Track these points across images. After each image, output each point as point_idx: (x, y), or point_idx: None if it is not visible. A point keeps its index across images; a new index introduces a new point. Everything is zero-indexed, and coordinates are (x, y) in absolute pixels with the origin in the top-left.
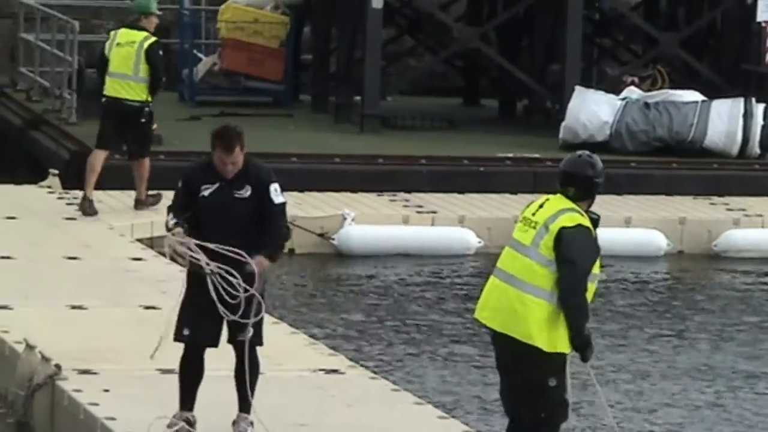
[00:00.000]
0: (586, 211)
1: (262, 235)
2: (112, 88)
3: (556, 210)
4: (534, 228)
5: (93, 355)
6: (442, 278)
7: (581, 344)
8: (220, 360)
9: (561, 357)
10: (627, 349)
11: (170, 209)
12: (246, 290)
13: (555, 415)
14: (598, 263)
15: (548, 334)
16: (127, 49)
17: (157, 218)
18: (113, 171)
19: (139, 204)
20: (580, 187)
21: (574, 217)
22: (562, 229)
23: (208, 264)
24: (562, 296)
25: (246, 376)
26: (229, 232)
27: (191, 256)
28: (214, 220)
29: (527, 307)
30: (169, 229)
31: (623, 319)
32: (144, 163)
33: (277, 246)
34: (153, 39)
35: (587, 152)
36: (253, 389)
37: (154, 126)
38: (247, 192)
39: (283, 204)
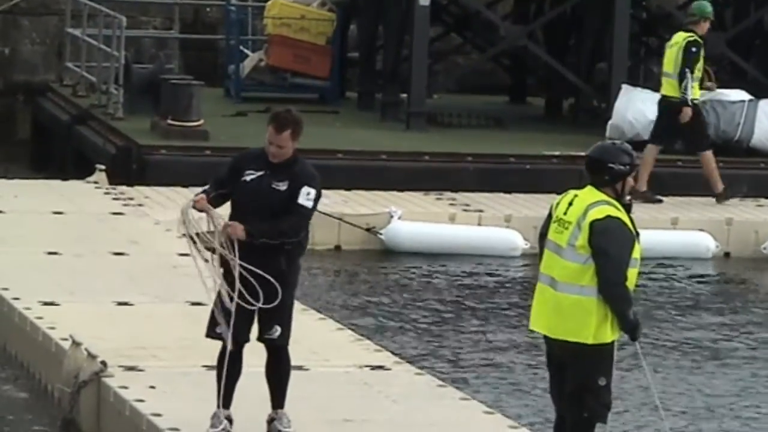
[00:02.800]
0: (618, 198)
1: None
2: (662, 85)
3: (586, 206)
4: (567, 229)
5: (139, 352)
6: (492, 277)
7: (630, 328)
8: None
9: (609, 354)
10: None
11: (212, 177)
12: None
13: (596, 416)
14: (637, 248)
15: (595, 329)
16: (672, 50)
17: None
18: (159, 166)
19: (718, 198)
20: (600, 173)
21: (603, 209)
22: (593, 222)
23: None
24: (602, 288)
25: (281, 374)
26: (255, 220)
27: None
28: (245, 205)
29: (571, 307)
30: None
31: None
32: (704, 157)
33: (270, 230)
34: (692, 38)
35: (616, 141)
36: (286, 387)
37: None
38: (283, 185)
39: (308, 209)
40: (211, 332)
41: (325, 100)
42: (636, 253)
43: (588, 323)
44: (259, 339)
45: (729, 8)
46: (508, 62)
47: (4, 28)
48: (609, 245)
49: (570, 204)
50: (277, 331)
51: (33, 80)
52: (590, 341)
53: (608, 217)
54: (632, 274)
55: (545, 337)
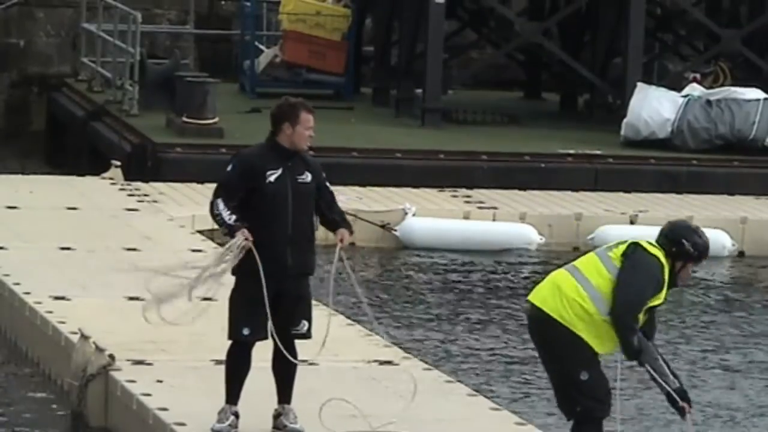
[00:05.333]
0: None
1: (333, 215)
2: None
3: (647, 239)
4: (619, 241)
5: (148, 346)
6: (506, 272)
7: (633, 355)
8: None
9: (589, 348)
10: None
11: (219, 194)
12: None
13: (591, 410)
14: (660, 297)
15: (584, 326)
16: None
17: None
18: (174, 164)
19: None
20: (670, 242)
21: (656, 250)
22: (637, 245)
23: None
24: (614, 311)
25: (291, 369)
26: (296, 218)
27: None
28: (281, 206)
29: (569, 291)
30: (227, 224)
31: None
32: None
33: (347, 221)
34: None
35: (699, 228)
36: (293, 382)
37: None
38: (308, 177)
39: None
40: (237, 334)
41: (340, 96)
42: (656, 301)
43: (576, 318)
44: (282, 335)
45: (744, 5)
46: (523, 58)
47: (20, 19)
48: (636, 278)
49: None
50: (306, 325)
51: (47, 72)
52: (570, 328)
53: (654, 256)
54: (641, 316)
55: (529, 322)
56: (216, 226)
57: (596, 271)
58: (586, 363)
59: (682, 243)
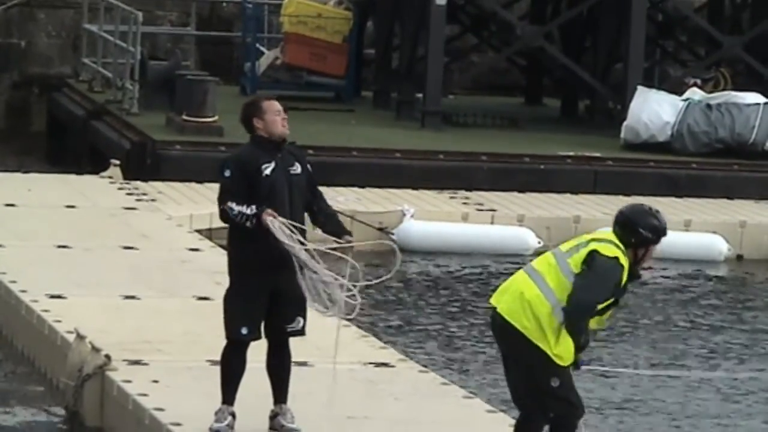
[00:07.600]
0: (634, 263)
1: (326, 215)
2: None
3: (604, 237)
4: (577, 242)
5: (144, 346)
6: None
7: (577, 350)
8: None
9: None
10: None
11: (226, 198)
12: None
13: (566, 415)
14: (607, 303)
15: (550, 338)
16: None
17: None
18: (174, 161)
19: None
20: (627, 233)
21: (614, 251)
22: (596, 251)
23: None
24: (567, 310)
25: (286, 368)
26: (294, 209)
27: (288, 244)
28: (279, 199)
29: (532, 300)
30: (250, 216)
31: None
32: None
33: (341, 224)
34: None
35: (652, 208)
36: (289, 381)
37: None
38: (298, 168)
39: None
40: (236, 334)
41: (340, 99)
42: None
43: (539, 325)
44: (277, 333)
45: (746, 11)
46: (524, 62)
47: (21, 20)
48: (594, 281)
49: (592, 235)
50: (300, 322)
51: (48, 73)
52: (544, 348)
53: (615, 258)
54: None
55: (493, 323)
56: (215, 225)
57: (557, 278)
58: (555, 370)
59: (638, 232)
